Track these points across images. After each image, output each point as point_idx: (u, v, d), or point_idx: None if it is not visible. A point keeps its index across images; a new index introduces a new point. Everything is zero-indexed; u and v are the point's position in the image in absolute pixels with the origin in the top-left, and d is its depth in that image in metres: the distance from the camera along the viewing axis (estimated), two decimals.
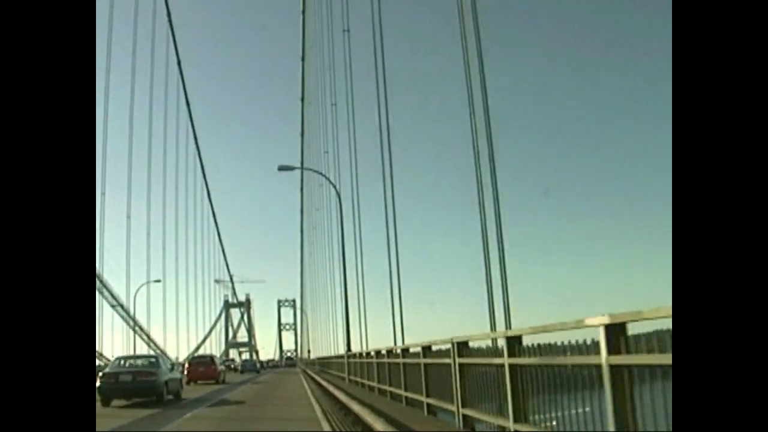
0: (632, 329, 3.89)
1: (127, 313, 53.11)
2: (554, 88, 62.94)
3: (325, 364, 41.05)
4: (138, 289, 47.57)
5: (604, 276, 55.32)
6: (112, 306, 48.66)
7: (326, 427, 11.09)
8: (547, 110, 60.62)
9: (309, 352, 72.02)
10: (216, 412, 15.67)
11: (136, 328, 55.43)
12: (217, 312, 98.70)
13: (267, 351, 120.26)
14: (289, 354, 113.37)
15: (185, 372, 32.83)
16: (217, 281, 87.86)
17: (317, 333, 52.75)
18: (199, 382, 31.97)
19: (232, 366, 61.56)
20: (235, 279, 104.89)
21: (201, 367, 33.50)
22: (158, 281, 49.39)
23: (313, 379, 31.83)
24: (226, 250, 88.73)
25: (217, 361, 36.34)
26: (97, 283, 47.30)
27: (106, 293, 49.18)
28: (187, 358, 42.11)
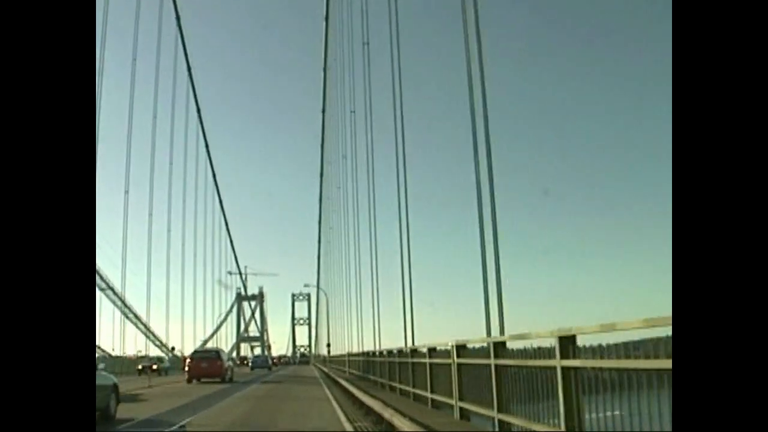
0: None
1: (131, 310, 53.29)
2: (553, 88, 62.67)
3: (377, 366, 20.16)
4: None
5: (604, 278, 55.91)
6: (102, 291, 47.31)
7: None
8: (546, 111, 60.46)
9: (329, 346, 58.69)
10: None
11: (131, 316, 53.56)
12: (229, 305, 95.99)
13: (279, 346, 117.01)
14: (302, 350, 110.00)
15: (186, 368, 28.81)
16: (229, 273, 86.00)
17: (348, 323, 38.11)
18: (202, 380, 27.74)
19: (246, 362, 58.70)
20: (248, 271, 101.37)
21: (204, 362, 28.44)
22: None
23: (356, 401, 14.22)
24: (239, 243, 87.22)
25: (224, 356, 30.87)
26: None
27: (101, 284, 48.36)
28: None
